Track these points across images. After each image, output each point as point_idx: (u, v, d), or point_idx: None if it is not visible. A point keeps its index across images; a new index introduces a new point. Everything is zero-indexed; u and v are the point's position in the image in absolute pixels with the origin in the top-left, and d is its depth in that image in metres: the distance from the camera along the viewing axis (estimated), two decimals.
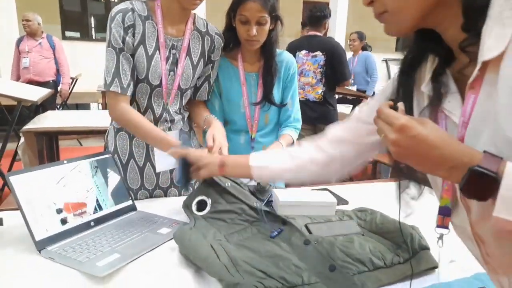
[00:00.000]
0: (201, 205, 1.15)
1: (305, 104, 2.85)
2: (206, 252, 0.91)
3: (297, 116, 1.61)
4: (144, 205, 1.30)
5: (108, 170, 1.22)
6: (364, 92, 4.15)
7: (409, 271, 0.93)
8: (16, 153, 2.88)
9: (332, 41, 3.07)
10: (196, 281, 0.88)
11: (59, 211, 1.04)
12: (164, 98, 1.30)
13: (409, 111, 0.68)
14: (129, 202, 1.24)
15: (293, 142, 1.56)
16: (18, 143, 2.60)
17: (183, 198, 1.39)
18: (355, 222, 1.16)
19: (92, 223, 1.10)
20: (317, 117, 2.93)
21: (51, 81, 4.30)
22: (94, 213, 1.12)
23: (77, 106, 6.45)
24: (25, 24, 4.17)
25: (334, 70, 2.90)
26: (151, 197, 1.41)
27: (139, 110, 1.30)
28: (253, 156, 1.04)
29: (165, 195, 1.42)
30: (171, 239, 1.05)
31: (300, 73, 2.92)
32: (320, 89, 2.92)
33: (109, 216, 1.15)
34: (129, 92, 1.23)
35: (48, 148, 2.85)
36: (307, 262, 0.92)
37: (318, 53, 2.90)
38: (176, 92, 1.32)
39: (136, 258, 0.94)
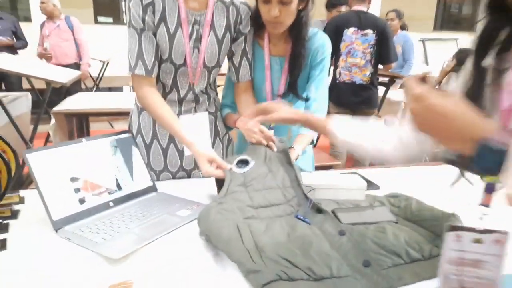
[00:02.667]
0: (243, 164, 1.09)
1: (350, 87, 2.69)
2: (230, 233, 0.85)
3: (321, 110, 1.37)
4: (166, 187, 1.26)
5: (129, 150, 1.19)
6: None
7: None
8: (48, 135, 2.95)
9: (381, 19, 2.85)
10: (214, 266, 0.83)
11: (77, 190, 1.01)
12: (189, 77, 1.24)
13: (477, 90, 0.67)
14: (150, 183, 1.20)
15: (313, 142, 1.43)
16: (49, 125, 2.65)
17: (207, 180, 1.36)
18: (387, 208, 1.07)
19: (111, 204, 1.07)
20: (360, 101, 2.74)
21: (73, 64, 4.27)
22: (113, 193, 1.09)
23: (110, 90, 6.58)
24: (41, 6, 4.12)
25: (382, 51, 2.70)
26: (174, 178, 1.37)
27: (164, 90, 1.25)
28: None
29: (189, 177, 1.38)
30: (190, 221, 1.00)
31: (348, 53, 2.70)
32: (368, 71, 2.71)
33: (128, 196, 1.12)
34: (154, 74, 1.18)
35: (78, 130, 2.90)
36: (340, 252, 0.85)
37: (369, 31, 2.66)
38: (201, 71, 1.25)
39: (153, 241, 0.90)
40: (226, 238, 0.84)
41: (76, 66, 4.36)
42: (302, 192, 1.06)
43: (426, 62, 7.08)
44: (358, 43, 2.68)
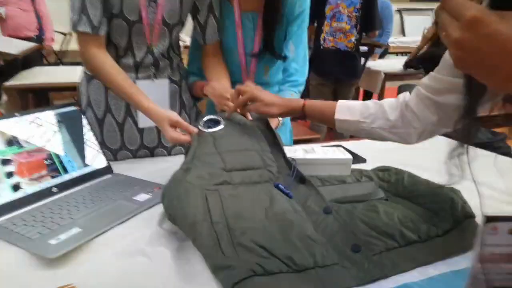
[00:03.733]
0: (213, 124, 0.94)
1: (333, 55, 2.51)
2: (197, 208, 0.70)
3: (300, 71, 1.26)
4: (124, 167, 1.10)
5: (76, 126, 1.01)
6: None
7: (451, 246, 0.72)
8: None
9: None
10: (177, 263, 0.68)
11: (9, 175, 0.84)
12: (146, 36, 1.05)
13: None
14: (103, 164, 1.03)
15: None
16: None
17: (172, 158, 1.20)
18: (376, 184, 0.95)
19: (54, 190, 0.90)
20: (344, 71, 2.57)
21: (34, 37, 3.93)
22: (56, 177, 0.92)
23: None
24: None
25: (367, 16, 2.54)
26: (135, 157, 1.20)
27: (117, 54, 1.06)
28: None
29: (152, 156, 1.21)
30: (149, 207, 0.85)
31: (332, 17, 2.51)
32: (353, 37, 2.54)
33: (76, 180, 0.95)
34: (102, 32, 0.99)
35: (37, 108, 2.64)
36: (325, 234, 0.72)
37: None
38: (160, 29, 1.06)
39: (101, 234, 0.75)
40: (191, 218, 0.69)
41: (38, 40, 4.00)
42: (283, 157, 0.92)
43: (403, 33, 6.98)
44: (344, 6, 2.49)
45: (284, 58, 1.20)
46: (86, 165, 0.99)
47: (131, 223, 0.80)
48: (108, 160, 1.06)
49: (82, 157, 0.99)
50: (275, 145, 0.94)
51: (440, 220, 0.77)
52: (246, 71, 1.22)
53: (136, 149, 1.18)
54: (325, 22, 2.49)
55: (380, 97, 3.65)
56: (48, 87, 2.49)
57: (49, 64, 4.50)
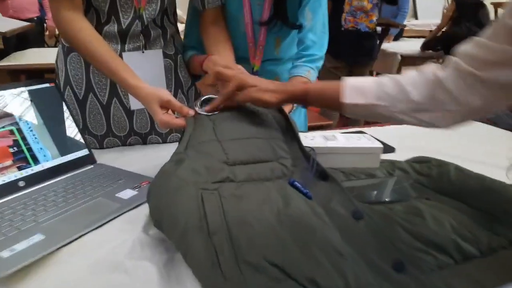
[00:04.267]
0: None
1: (353, 36, 2.29)
2: (190, 213, 0.53)
3: (319, 43, 1.06)
4: (110, 157, 0.94)
5: (52, 106, 0.85)
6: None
7: None
8: None
9: None
10: (164, 283, 0.52)
11: None
12: None
13: None
14: (84, 152, 0.87)
15: None
16: None
17: (168, 146, 1.03)
18: (412, 179, 0.78)
19: (20, 184, 0.74)
20: (362, 53, 2.36)
21: (35, 18, 3.79)
22: (25, 168, 0.76)
23: None
24: None
25: None
26: (124, 145, 1.03)
27: (98, 21, 0.88)
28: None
29: (144, 144, 1.05)
30: (134, 207, 0.69)
31: None
32: (375, 17, 2.30)
33: (48, 172, 0.79)
34: None
35: None
36: (356, 246, 0.55)
37: None
38: None
39: (69, 243, 0.59)
40: (182, 226, 0.52)
41: (38, 20, 3.82)
42: (299, 147, 0.74)
43: (416, 16, 6.71)
44: None
45: (299, 28, 1.01)
46: (62, 154, 0.83)
47: (111, 227, 0.64)
48: (91, 148, 0.90)
49: (58, 144, 0.83)
50: (289, 131, 0.76)
51: (504, 227, 0.60)
52: (254, 44, 1.04)
53: (125, 136, 1.01)
54: (346, 1, 2.26)
55: None
56: (40, 68, 2.32)
57: (48, 46, 4.34)
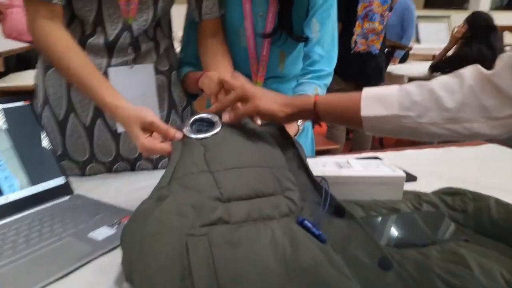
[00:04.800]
0: (204, 127, 0.64)
1: (363, 58, 2.21)
2: (170, 265, 0.42)
3: (327, 58, 0.95)
4: (91, 185, 0.82)
5: (24, 128, 0.74)
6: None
7: None
8: None
9: None
10: None
11: None
12: (121, 6, 0.78)
13: None
14: (60, 181, 0.75)
15: None
16: None
17: (159, 173, 0.91)
18: (444, 215, 0.65)
19: None
20: (370, 73, 2.26)
21: None
22: None
23: None
24: None
25: None
26: (110, 172, 0.92)
27: (83, 32, 0.78)
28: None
29: (132, 170, 0.93)
30: (109, 251, 0.57)
31: (365, 17, 2.18)
32: (383, 38, 2.24)
33: (14, 205, 0.67)
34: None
35: None
36: None
37: None
38: None
39: None
40: (159, 284, 0.40)
41: None
42: (308, 177, 0.62)
43: (418, 40, 6.71)
44: (377, 3, 2.14)
45: (305, 40, 0.91)
46: (34, 183, 0.71)
47: (77, 277, 0.51)
48: (71, 175, 0.78)
49: (30, 171, 0.71)
50: (295, 158, 0.65)
51: None
52: (256, 59, 0.93)
53: (111, 161, 0.89)
54: (357, 23, 2.17)
55: None
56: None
57: None
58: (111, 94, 0.67)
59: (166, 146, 0.60)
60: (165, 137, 0.62)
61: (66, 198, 0.74)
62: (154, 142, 0.61)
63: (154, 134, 0.63)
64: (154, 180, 0.58)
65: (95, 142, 0.86)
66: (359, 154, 1.04)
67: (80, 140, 0.85)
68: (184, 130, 0.62)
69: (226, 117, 0.64)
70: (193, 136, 0.60)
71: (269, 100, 0.63)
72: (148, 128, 0.63)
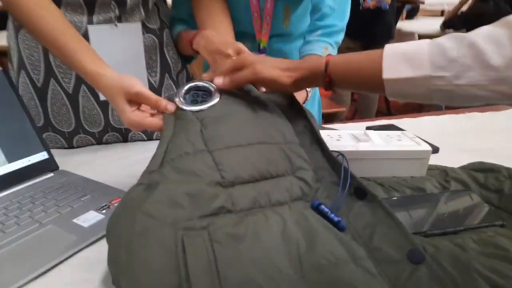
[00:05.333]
0: (200, 98, 0.55)
1: (372, 14, 2.05)
2: (162, 267, 0.35)
3: (339, 11, 0.86)
4: (79, 160, 0.75)
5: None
6: None
7: None
8: None
9: None
10: None
11: None
12: None
13: None
14: (42, 156, 0.67)
15: None
16: None
17: (154, 144, 0.83)
18: (476, 195, 0.58)
19: None
20: (381, 32, 2.11)
21: None
22: None
23: None
24: None
25: None
26: (101, 144, 0.83)
27: None
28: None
29: (125, 141, 0.85)
30: (95, 241, 0.50)
31: None
32: None
33: None
34: None
35: None
36: None
37: None
38: None
39: None
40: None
41: None
42: (322, 154, 0.54)
43: None
44: None
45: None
46: (11, 160, 0.63)
47: (58, 275, 0.45)
48: (58, 147, 0.70)
49: (6, 147, 0.63)
50: (307, 132, 0.56)
51: None
52: (259, 14, 0.82)
53: (100, 132, 0.81)
54: None
55: None
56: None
57: None
58: (91, 59, 0.56)
59: (156, 120, 0.52)
60: (157, 107, 0.53)
61: (50, 175, 0.66)
62: (142, 116, 0.52)
63: (143, 106, 0.55)
64: (148, 153, 0.50)
65: (81, 111, 0.77)
66: (372, 121, 0.95)
67: (64, 109, 0.76)
68: (177, 101, 0.52)
69: (219, 81, 0.54)
70: (187, 108, 0.51)
71: (271, 64, 0.54)
72: (135, 100, 0.53)
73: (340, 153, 0.54)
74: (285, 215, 0.43)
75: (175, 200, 0.39)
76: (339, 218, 0.45)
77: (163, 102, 0.52)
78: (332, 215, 0.46)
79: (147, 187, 0.41)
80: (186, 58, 0.86)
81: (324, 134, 0.66)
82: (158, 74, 0.80)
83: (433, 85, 0.46)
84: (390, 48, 0.48)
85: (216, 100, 0.53)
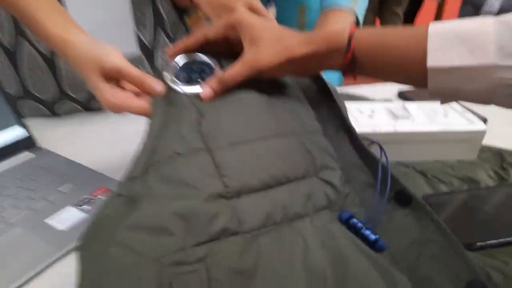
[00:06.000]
0: (198, 73, 0.43)
1: None
2: None
3: None
4: (63, 132, 0.65)
5: None
6: None
7: None
8: None
9: None
10: None
11: None
12: None
13: None
14: (15, 131, 0.57)
15: (358, 23, 0.72)
16: None
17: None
18: None
19: None
20: None
21: None
22: None
23: None
24: None
25: None
26: (88, 110, 0.72)
27: None
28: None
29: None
30: (72, 250, 0.41)
31: None
32: None
33: None
34: None
35: None
36: None
37: None
38: None
39: None
40: None
41: None
42: (352, 146, 0.42)
43: None
44: None
45: None
46: None
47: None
48: (39, 116, 0.60)
49: None
50: (332, 116, 0.44)
51: None
52: None
53: (87, 98, 0.70)
54: None
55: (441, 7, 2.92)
56: None
57: None
58: (55, 20, 0.43)
59: (142, 103, 0.40)
60: (141, 87, 0.41)
61: (25, 155, 0.56)
62: (123, 97, 0.41)
63: (124, 83, 0.43)
64: (144, 124, 0.40)
65: (62, 75, 0.65)
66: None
67: (40, 73, 0.64)
68: (167, 77, 0.40)
69: (206, 91, 0.40)
70: (181, 89, 0.39)
71: (273, 44, 0.39)
72: (113, 75, 0.41)
73: (375, 142, 0.42)
74: (306, 234, 0.33)
75: (162, 224, 0.29)
76: (377, 236, 0.35)
77: (148, 80, 0.40)
78: (367, 232, 0.35)
79: (127, 202, 0.30)
80: (182, 11, 0.71)
81: (352, 107, 0.53)
82: (149, 30, 0.66)
83: (499, 78, 0.33)
84: (438, 27, 0.35)
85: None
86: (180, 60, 0.42)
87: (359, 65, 0.39)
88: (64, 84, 0.66)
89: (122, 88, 0.42)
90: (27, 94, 0.66)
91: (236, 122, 0.36)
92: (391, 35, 0.37)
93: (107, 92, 0.40)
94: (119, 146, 0.61)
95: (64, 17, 0.44)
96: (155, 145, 0.34)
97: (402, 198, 0.37)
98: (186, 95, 0.39)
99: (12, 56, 0.62)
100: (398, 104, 0.55)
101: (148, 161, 0.33)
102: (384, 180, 0.37)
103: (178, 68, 0.42)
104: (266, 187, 0.34)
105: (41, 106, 0.68)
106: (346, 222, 0.36)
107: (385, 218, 0.37)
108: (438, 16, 2.92)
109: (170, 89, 0.40)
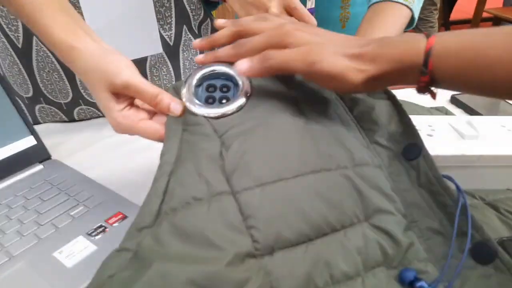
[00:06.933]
0: (220, 93, 0.36)
1: None
2: None
3: None
4: (79, 140, 0.60)
5: None
6: None
7: None
8: None
9: None
10: None
11: None
12: None
13: None
14: (28, 141, 0.52)
15: (413, 20, 0.62)
16: None
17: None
18: None
19: None
20: None
21: None
22: None
23: None
24: None
25: None
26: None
27: None
28: None
29: None
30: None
31: None
32: None
33: None
34: None
35: None
36: None
37: None
38: None
39: None
40: None
41: None
42: (416, 180, 0.33)
43: None
44: None
45: None
46: None
47: None
48: (53, 121, 0.55)
49: None
50: (393, 140, 0.36)
51: None
52: None
53: None
54: None
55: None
56: None
57: None
58: (61, 24, 0.37)
59: (155, 126, 0.34)
60: (153, 105, 0.35)
61: (37, 168, 0.52)
62: (134, 119, 0.35)
63: (137, 100, 0.36)
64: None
65: (79, 78, 0.60)
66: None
67: (55, 76, 0.59)
68: (184, 95, 0.34)
69: (243, 65, 0.33)
70: (200, 111, 0.32)
71: (334, 49, 0.31)
72: (123, 93, 0.35)
73: (445, 176, 0.34)
74: None
75: None
76: (409, 276, 0.28)
77: (165, 99, 0.34)
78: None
79: (133, 258, 0.24)
80: (210, 5, 0.64)
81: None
82: (173, 27, 0.60)
83: None
84: None
85: (243, 98, 0.33)
86: (198, 73, 0.36)
87: (439, 81, 0.30)
88: (80, 88, 0.61)
89: (137, 106, 0.36)
90: (42, 98, 0.61)
91: (266, 155, 0.29)
92: (478, 41, 0.28)
93: (116, 111, 0.34)
94: (139, 158, 0.55)
95: (69, 17, 0.38)
96: (170, 185, 0.27)
97: (484, 252, 0.30)
98: (207, 118, 0.32)
99: (23, 55, 0.57)
100: (461, 118, 0.47)
101: (161, 207, 0.26)
102: (460, 229, 0.30)
103: (196, 82, 0.35)
104: (306, 239, 0.27)
105: (57, 111, 0.63)
106: (410, 285, 0.28)
107: (461, 277, 0.29)
108: (481, 3, 2.73)
109: (187, 111, 0.33)
